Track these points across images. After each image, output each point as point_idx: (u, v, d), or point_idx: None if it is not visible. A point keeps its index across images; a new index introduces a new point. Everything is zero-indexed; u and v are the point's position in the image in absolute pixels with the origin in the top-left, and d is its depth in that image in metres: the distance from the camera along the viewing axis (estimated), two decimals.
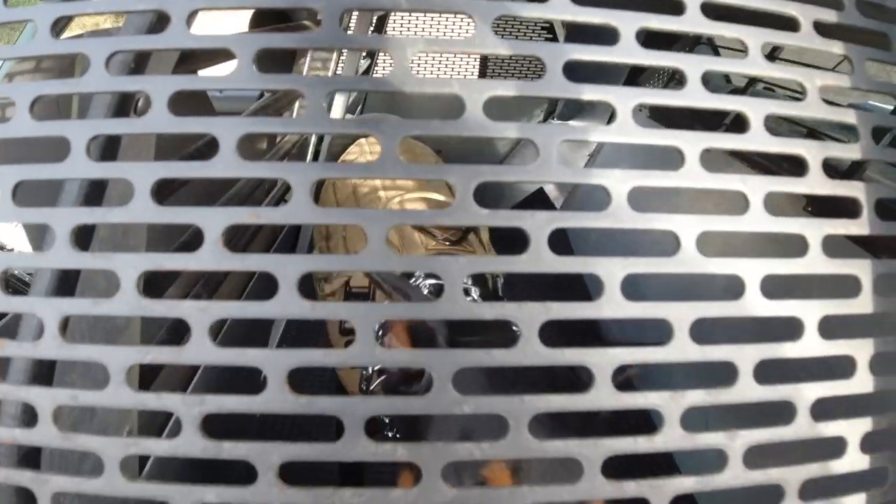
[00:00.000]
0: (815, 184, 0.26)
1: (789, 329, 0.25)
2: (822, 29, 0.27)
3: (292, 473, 0.21)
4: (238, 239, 0.55)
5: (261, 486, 0.21)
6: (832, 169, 0.27)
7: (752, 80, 0.89)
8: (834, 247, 0.26)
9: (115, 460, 0.22)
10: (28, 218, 0.23)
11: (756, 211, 0.24)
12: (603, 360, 0.22)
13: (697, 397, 0.23)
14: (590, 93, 0.24)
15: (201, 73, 0.45)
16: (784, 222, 0.25)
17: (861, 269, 0.26)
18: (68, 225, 0.22)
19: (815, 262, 0.25)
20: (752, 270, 0.24)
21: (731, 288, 0.25)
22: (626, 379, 0.23)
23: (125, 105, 0.24)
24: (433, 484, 0.21)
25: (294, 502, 0.21)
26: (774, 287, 0.25)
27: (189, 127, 0.22)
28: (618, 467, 0.23)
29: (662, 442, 0.23)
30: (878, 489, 0.27)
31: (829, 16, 0.27)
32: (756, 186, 0.24)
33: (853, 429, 0.26)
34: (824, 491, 0.27)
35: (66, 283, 0.25)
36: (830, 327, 0.26)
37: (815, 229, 0.25)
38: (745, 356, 0.24)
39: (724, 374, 0.25)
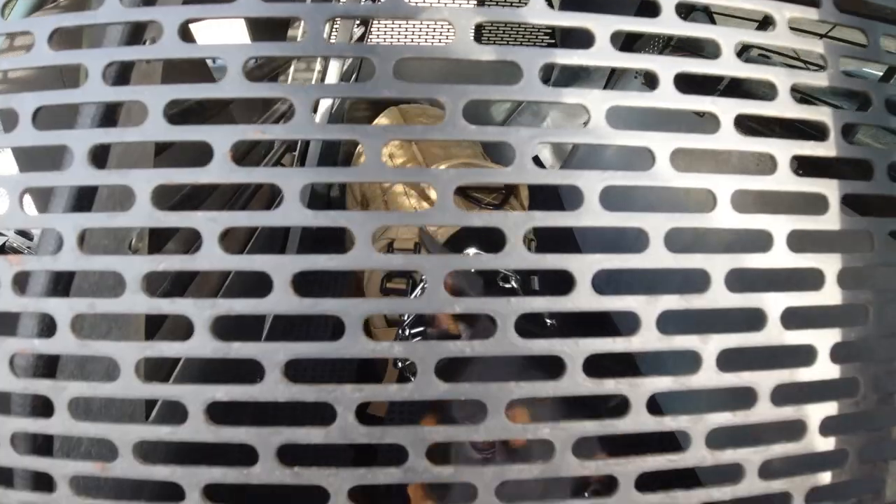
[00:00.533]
0: (784, 108, 0.28)
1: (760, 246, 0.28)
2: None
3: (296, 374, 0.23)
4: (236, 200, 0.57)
5: (268, 384, 0.23)
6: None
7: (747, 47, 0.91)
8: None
9: (131, 364, 0.24)
10: (47, 140, 0.25)
11: (727, 131, 0.26)
12: (583, 265, 0.24)
13: (672, 302, 0.25)
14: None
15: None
16: (754, 142, 0.27)
17: (828, 187, 0.28)
18: (86, 144, 0.24)
19: (783, 180, 0.27)
20: (724, 185, 0.26)
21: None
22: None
23: (137, 36, 0.26)
24: (427, 378, 0.23)
25: (298, 398, 0.23)
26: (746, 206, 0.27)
27: (195, 52, 0.24)
28: (599, 369, 0.25)
29: (639, 342, 0.25)
30: (850, 399, 0.30)
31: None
32: (727, 107, 0.26)
33: (823, 339, 0.28)
34: (796, 399, 0.29)
35: (82, 201, 0.27)
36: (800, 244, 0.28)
37: (783, 149, 0.27)
38: (717, 265, 0.26)
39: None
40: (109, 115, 0.27)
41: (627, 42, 0.97)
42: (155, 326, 0.41)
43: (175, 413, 0.26)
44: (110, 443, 0.25)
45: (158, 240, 0.39)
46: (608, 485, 0.25)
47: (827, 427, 0.29)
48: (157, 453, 0.27)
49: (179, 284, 0.43)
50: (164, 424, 0.25)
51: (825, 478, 0.30)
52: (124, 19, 0.25)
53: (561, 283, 0.25)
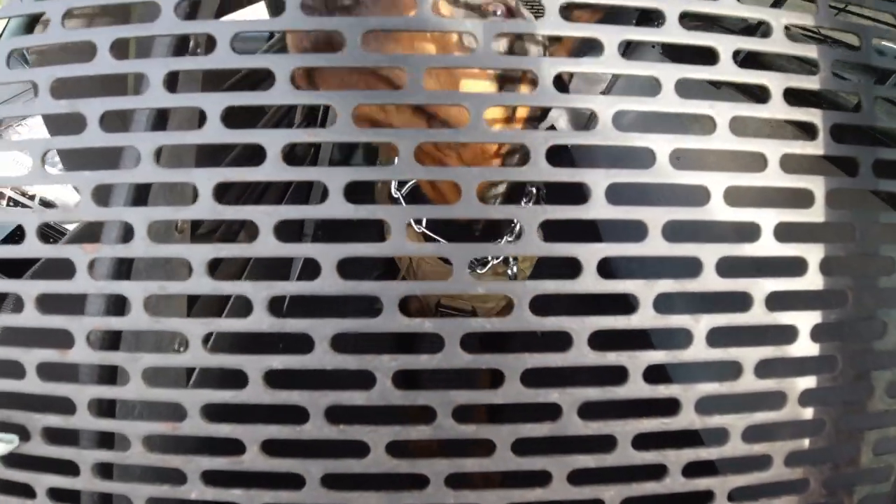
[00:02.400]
0: (777, 110, 0.32)
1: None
2: None
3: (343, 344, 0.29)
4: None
5: (317, 354, 0.29)
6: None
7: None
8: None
9: (198, 337, 0.29)
10: (114, 141, 0.30)
11: (722, 131, 0.31)
12: (588, 253, 0.29)
13: (667, 285, 0.30)
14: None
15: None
16: (748, 142, 0.31)
17: (814, 183, 0.33)
18: (149, 146, 0.29)
19: (772, 177, 0.32)
20: (717, 182, 0.31)
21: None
22: None
23: (184, 46, 0.30)
24: (453, 350, 0.29)
25: (343, 366, 0.29)
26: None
27: (247, 63, 0.29)
28: (603, 343, 0.30)
29: (637, 320, 0.30)
30: (829, 374, 0.35)
31: None
32: (723, 109, 0.31)
33: (804, 319, 0.33)
34: (778, 374, 0.34)
35: (141, 197, 0.32)
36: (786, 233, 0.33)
37: (773, 148, 0.32)
38: (709, 252, 0.31)
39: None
40: (162, 118, 0.31)
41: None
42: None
43: (207, 379, 0.31)
44: (172, 406, 0.31)
45: (193, 225, 0.45)
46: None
47: (806, 398, 0.34)
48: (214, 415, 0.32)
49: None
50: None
51: (804, 444, 0.36)
52: (181, 31, 0.29)
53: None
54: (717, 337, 0.32)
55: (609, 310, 0.31)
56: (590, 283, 0.29)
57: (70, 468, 0.33)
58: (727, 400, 0.33)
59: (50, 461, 0.34)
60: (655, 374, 0.31)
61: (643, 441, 0.31)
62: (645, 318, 0.30)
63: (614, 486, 0.31)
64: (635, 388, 0.30)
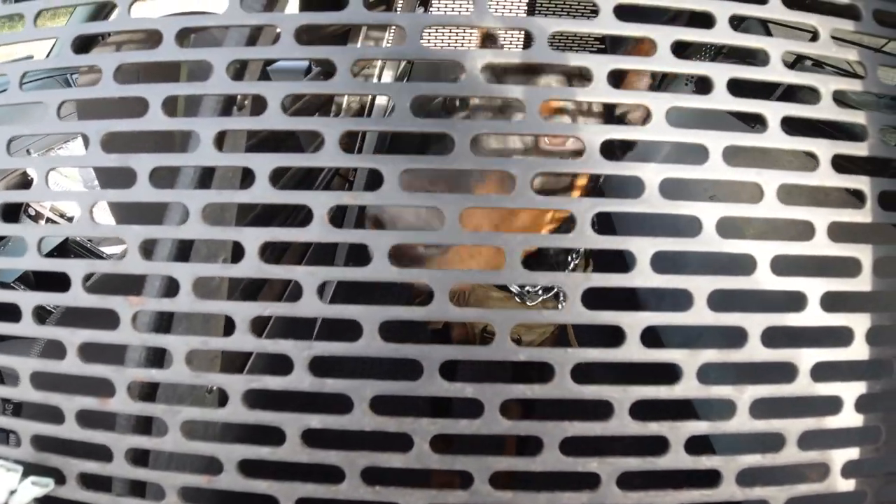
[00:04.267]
0: (825, 177, 0.33)
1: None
2: None
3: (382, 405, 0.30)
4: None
5: (356, 415, 0.30)
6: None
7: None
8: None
9: (239, 393, 0.31)
10: (164, 197, 0.31)
11: (770, 198, 0.32)
12: (633, 321, 0.30)
13: (711, 355, 0.31)
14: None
15: None
16: (792, 210, 0.32)
17: (862, 252, 0.33)
18: (198, 203, 0.30)
19: (819, 246, 0.32)
20: (764, 250, 0.31)
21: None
22: None
23: (231, 103, 0.32)
24: (493, 416, 0.30)
25: (383, 427, 0.30)
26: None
27: (314, 54, 0.30)
28: (645, 413, 0.31)
29: (681, 390, 0.31)
30: (872, 445, 0.35)
31: None
32: (771, 178, 0.32)
33: (848, 390, 0.34)
34: (821, 445, 0.34)
35: (185, 251, 0.34)
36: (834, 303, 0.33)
37: (821, 217, 0.32)
38: (755, 322, 0.31)
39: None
40: (209, 175, 0.33)
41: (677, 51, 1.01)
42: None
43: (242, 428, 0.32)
44: (208, 457, 0.32)
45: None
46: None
47: (849, 469, 0.35)
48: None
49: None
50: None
51: None
52: (232, 91, 0.31)
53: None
54: (761, 407, 0.32)
55: (649, 376, 0.32)
56: (634, 351, 0.30)
57: None
58: (769, 471, 0.33)
59: None
60: (697, 443, 0.32)
61: None
62: (689, 388, 0.31)
63: None
64: (676, 458, 0.31)
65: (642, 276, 0.30)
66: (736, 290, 0.31)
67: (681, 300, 0.32)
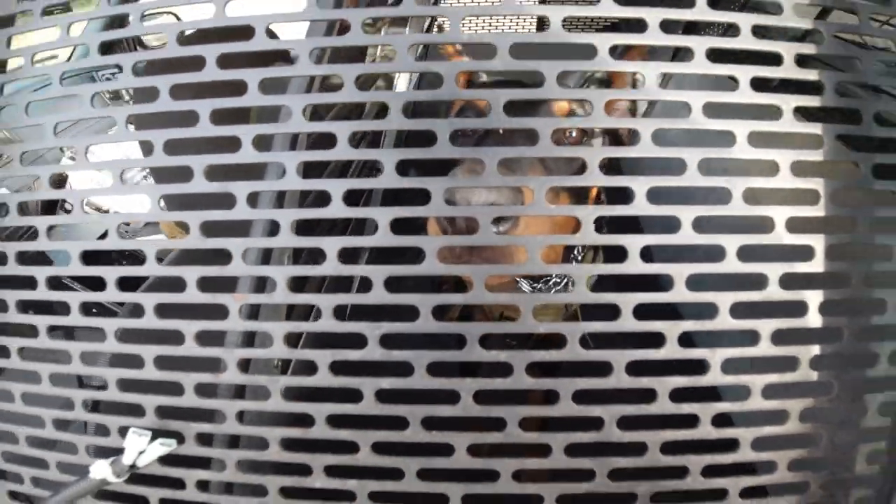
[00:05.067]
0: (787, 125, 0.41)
1: None
2: None
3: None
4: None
5: (416, 378, 0.40)
6: None
7: None
8: None
9: (326, 364, 0.41)
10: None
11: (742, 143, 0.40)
12: (627, 300, 0.40)
13: (688, 325, 0.41)
14: None
15: None
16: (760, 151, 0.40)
17: (820, 185, 0.41)
18: (291, 218, 0.40)
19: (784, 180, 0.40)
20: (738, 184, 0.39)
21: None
22: None
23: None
24: (520, 376, 0.40)
25: (436, 386, 0.40)
26: None
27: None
28: (638, 370, 0.41)
29: (664, 353, 0.40)
30: (826, 397, 0.44)
31: None
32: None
33: (806, 352, 0.43)
34: (783, 395, 0.44)
35: (267, 259, 0.43)
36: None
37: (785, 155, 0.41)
38: (726, 299, 0.41)
39: None
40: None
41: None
42: None
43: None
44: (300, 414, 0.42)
45: None
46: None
47: (805, 416, 0.44)
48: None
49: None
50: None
51: (804, 453, 0.45)
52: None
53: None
54: (732, 365, 0.41)
55: (640, 342, 0.41)
56: (628, 324, 0.40)
57: (215, 465, 0.45)
58: (739, 415, 0.43)
59: (196, 459, 0.45)
60: (679, 394, 0.41)
61: (669, 448, 0.41)
62: (671, 351, 0.40)
63: (645, 483, 0.41)
64: (663, 406, 0.41)
65: (639, 207, 0.39)
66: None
67: (662, 282, 0.41)
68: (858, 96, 0.47)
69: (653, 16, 0.40)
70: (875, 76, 0.43)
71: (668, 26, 0.40)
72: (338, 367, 0.41)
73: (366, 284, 0.40)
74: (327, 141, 0.40)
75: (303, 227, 0.41)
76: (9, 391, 0.50)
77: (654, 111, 0.51)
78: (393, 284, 0.40)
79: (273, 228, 0.42)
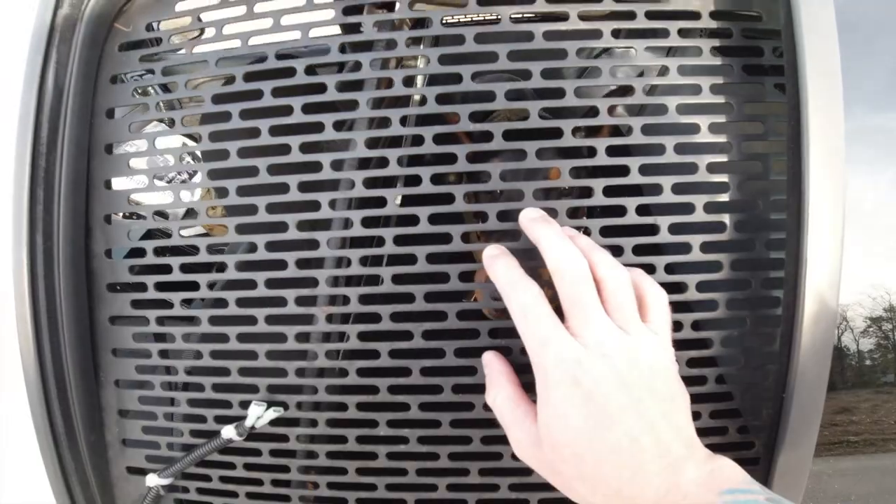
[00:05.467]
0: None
1: None
2: None
3: None
4: None
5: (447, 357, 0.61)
6: None
7: None
8: None
9: (386, 351, 0.62)
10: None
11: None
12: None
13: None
14: None
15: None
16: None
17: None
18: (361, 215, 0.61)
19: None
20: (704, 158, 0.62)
21: None
22: None
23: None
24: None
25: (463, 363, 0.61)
26: None
27: None
28: None
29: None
30: (738, 331, 0.67)
31: None
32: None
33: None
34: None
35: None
36: None
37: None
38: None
39: None
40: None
41: None
42: None
43: None
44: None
45: None
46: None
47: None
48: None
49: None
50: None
51: None
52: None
53: None
54: None
55: None
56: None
57: (306, 423, 0.66)
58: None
59: (295, 420, 0.66)
60: None
61: None
62: None
63: None
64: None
65: None
66: None
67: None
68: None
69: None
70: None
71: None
72: (393, 353, 0.62)
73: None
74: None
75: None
76: (151, 381, 0.70)
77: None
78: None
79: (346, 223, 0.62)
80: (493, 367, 0.53)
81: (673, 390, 0.46)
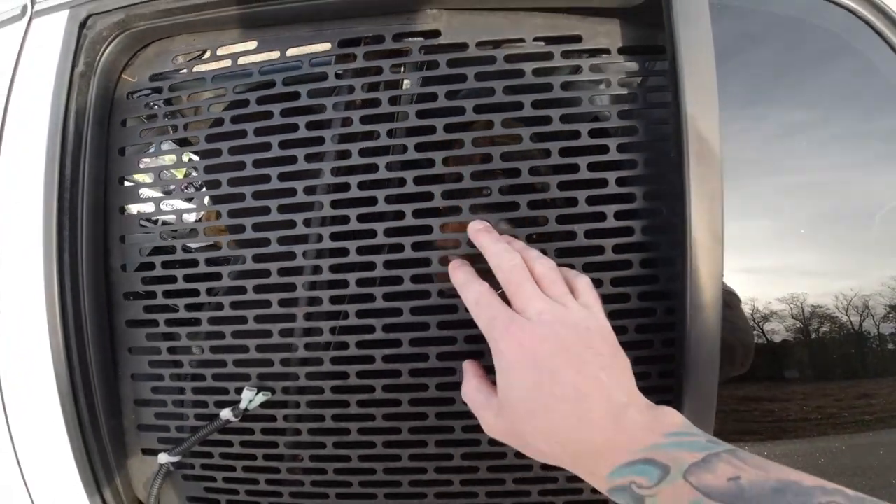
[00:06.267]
0: None
1: None
2: None
3: None
4: None
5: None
6: None
7: None
8: None
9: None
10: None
11: None
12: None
13: None
14: None
15: None
16: None
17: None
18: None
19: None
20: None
21: None
22: None
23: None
24: None
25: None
26: None
27: None
28: None
29: None
30: None
31: None
32: None
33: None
34: None
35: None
36: None
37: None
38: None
39: None
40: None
41: None
42: None
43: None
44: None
45: None
46: None
47: None
48: None
49: None
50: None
51: None
52: None
53: None
54: None
55: None
56: None
57: (293, 405, 0.79)
58: None
59: (282, 403, 0.80)
60: None
61: None
62: None
63: None
64: None
65: None
66: None
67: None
68: None
69: None
70: None
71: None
72: (360, 345, 0.76)
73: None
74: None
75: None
76: (161, 374, 0.84)
77: None
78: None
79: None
80: (467, 367, 0.61)
81: (612, 350, 0.51)
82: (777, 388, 0.92)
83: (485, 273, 0.61)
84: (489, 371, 0.57)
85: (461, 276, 0.60)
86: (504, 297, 0.56)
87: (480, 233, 0.62)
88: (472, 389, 0.58)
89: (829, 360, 0.87)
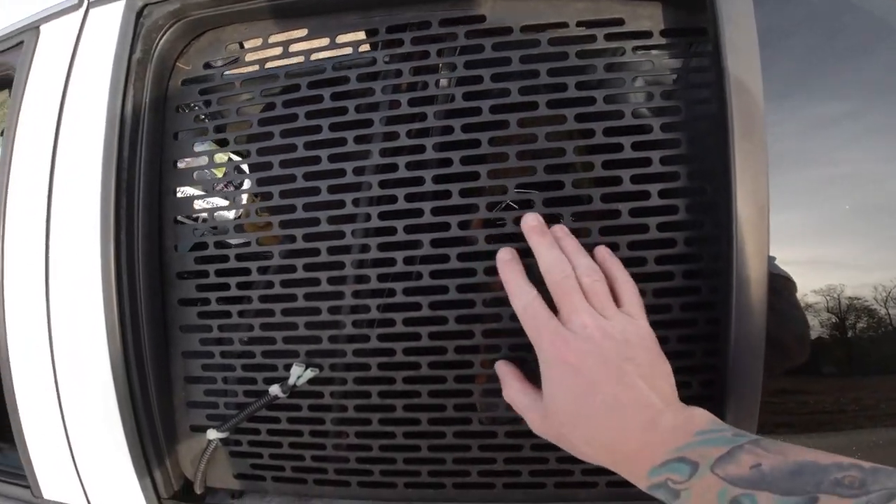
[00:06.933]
0: None
1: None
2: None
3: None
4: None
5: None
6: None
7: None
8: None
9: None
10: None
11: None
12: None
13: None
14: None
15: None
16: None
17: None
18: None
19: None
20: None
21: None
22: None
23: None
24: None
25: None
26: None
27: None
28: None
29: None
30: None
31: None
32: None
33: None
34: None
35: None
36: None
37: None
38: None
39: None
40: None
41: None
42: None
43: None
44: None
45: None
46: None
47: None
48: None
49: None
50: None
51: None
52: None
53: None
54: None
55: None
56: None
57: (339, 382, 0.82)
58: None
59: (329, 379, 0.83)
60: None
61: None
62: None
63: None
64: None
65: None
66: None
67: None
68: None
69: None
70: None
71: None
72: (406, 322, 0.79)
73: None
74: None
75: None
76: (211, 352, 0.88)
77: None
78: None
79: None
80: (503, 370, 0.65)
81: (651, 358, 0.55)
82: (816, 381, 0.93)
83: (529, 267, 0.64)
84: (522, 366, 0.61)
85: (510, 279, 0.63)
86: (545, 292, 0.61)
87: (535, 233, 0.65)
88: (516, 392, 0.63)
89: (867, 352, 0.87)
